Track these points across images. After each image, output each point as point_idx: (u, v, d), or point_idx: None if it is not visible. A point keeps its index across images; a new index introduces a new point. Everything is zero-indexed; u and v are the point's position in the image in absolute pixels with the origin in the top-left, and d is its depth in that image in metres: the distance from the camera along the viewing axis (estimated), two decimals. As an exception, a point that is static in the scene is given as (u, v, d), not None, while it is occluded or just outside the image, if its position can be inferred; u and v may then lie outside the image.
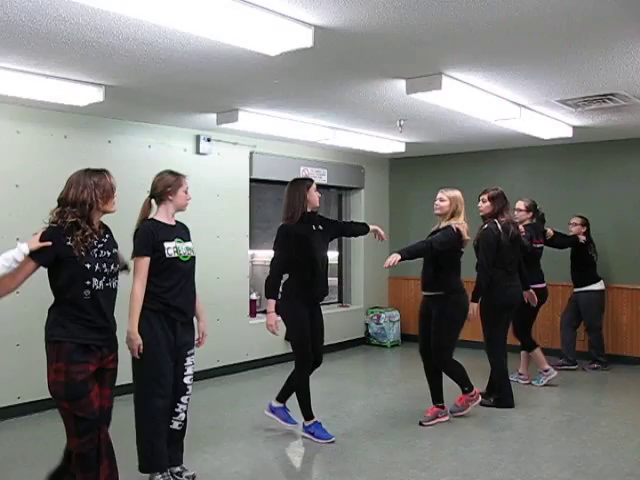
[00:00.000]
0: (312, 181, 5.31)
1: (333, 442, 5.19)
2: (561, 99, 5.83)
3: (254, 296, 8.04)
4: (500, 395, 6.11)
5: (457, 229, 5.51)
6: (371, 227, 5.74)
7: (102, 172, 3.60)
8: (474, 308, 5.89)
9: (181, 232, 4.29)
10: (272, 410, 5.49)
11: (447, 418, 5.74)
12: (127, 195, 5.66)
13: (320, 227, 5.27)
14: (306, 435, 5.29)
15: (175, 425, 4.22)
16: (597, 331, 7.71)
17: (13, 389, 5.78)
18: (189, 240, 4.31)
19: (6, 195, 5.80)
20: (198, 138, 7.31)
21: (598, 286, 7.65)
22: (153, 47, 4.22)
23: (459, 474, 4.52)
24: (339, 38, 4.02)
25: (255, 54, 4.12)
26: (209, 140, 7.37)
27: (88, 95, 5.26)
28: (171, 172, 4.31)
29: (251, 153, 7.89)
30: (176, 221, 4.33)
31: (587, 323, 7.72)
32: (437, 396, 5.80)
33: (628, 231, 8.11)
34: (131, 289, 4.04)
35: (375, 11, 3.58)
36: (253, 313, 7.95)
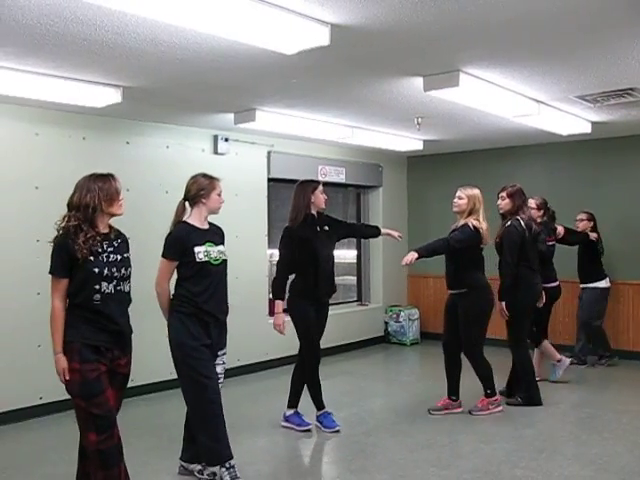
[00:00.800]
0: (319, 183, 5.41)
1: (338, 431, 5.35)
2: (579, 95, 5.79)
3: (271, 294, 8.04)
4: (529, 393, 6.07)
5: (474, 226, 5.56)
6: (383, 231, 5.82)
7: (107, 176, 3.65)
8: (503, 307, 5.90)
9: (213, 236, 4.32)
10: (287, 419, 5.56)
11: (460, 410, 5.85)
12: (145, 195, 5.72)
13: (326, 228, 5.37)
14: (317, 424, 5.47)
15: None
16: (592, 328, 7.59)
17: (35, 390, 5.83)
18: (221, 243, 4.34)
19: (26, 197, 5.85)
20: (216, 138, 7.34)
21: (603, 284, 7.58)
22: (170, 47, 4.24)
23: (480, 472, 4.50)
24: (356, 36, 4.02)
25: (272, 53, 4.12)
26: (227, 140, 7.39)
27: (106, 96, 5.29)
28: (205, 175, 4.34)
29: (269, 152, 7.91)
30: (210, 223, 4.35)
31: (583, 318, 7.60)
32: (452, 389, 5.90)
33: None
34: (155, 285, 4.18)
35: (391, 8, 3.57)
36: (272, 312, 7.94)
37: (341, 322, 8.76)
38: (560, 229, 7.21)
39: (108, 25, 3.78)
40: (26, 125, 5.88)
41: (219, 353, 4.30)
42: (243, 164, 7.57)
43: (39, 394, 5.86)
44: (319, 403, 5.47)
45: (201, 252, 4.16)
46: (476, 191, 5.71)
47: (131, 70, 4.81)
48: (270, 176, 7.93)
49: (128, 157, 6.50)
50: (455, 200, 5.73)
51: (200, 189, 4.27)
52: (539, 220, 6.79)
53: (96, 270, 3.50)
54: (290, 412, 5.54)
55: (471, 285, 5.67)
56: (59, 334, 3.49)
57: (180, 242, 4.16)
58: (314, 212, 5.33)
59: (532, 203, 6.80)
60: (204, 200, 4.27)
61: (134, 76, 4.99)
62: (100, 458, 3.51)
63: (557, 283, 6.91)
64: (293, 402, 5.54)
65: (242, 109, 6.35)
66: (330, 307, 8.77)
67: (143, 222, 6.01)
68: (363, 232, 5.94)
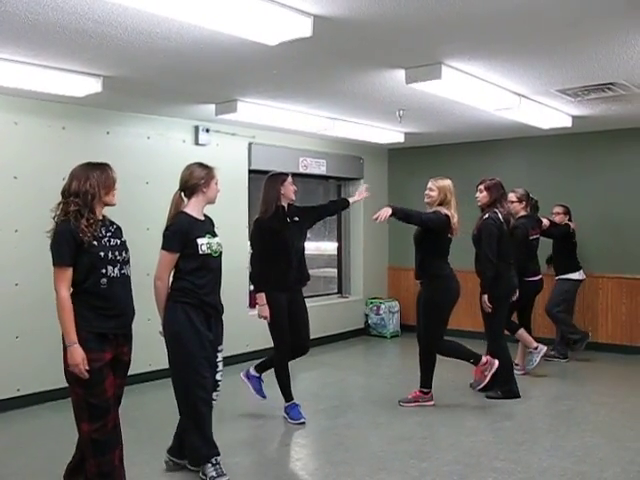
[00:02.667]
0: (287, 175, 5.45)
1: (303, 424, 5.38)
2: (561, 89, 5.81)
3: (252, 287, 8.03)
4: (507, 386, 6.09)
5: (446, 214, 5.60)
6: (351, 200, 5.91)
7: (104, 165, 3.68)
8: (485, 300, 5.94)
9: (210, 227, 4.29)
10: (248, 377, 5.71)
11: (431, 403, 5.85)
12: (126, 186, 5.63)
13: (296, 219, 5.43)
14: (284, 415, 5.50)
15: None
16: (558, 314, 7.58)
17: (12, 381, 5.77)
18: (217, 235, 4.31)
19: (4, 187, 5.78)
20: (197, 129, 7.29)
21: (577, 275, 7.64)
22: (151, 37, 4.19)
23: (460, 464, 4.52)
24: (338, 28, 4.00)
25: (254, 44, 4.09)
26: (208, 131, 7.35)
27: (86, 86, 5.23)
28: (201, 164, 4.30)
29: (250, 144, 7.88)
30: (205, 215, 4.32)
31: (547, 307, 7.61)
32: (424, 382, 5.89)
33: (629, 220, 8.11)
34: (153, 278, 4.12)
35: (374, 1, 3.55)
36: (252, 304, 7.93)
37: (321, 314, 8.76)
38: (546, 221, 7.26)
39: (89, 13, 3.73)
40: (4, 114, 5.80)
41: (219, 348, 4.28)
42: (224, 155, 7.53)
43: (16, 386, 5.80)
44: (287, 394, 5.49)
45: (204, 244, 4.12)
46: (447, 182, 5.74)
47: (112, 59, 4.75)
48: (251, 167, 7.90)
49: (108, 147, 6.44)
50: (426, 192, 5.78)
51: (200, 178, 4.21)
52: (523, 213, 6.81)
53: (102, 254, 3.52)
54: (255, 373, 5.72)
55: (434, 274, 5.73)
56: (71, 324, 3.44)
57: (183, 234, 4.09)
58: (284, 204, 5.39)
59: (512, 197, 6.80)
60: (204, 190, 4.21)
61: (115, 66, 4.93)
62: (93, 446, 3.53)
63: (540, 277, 6.95)
64: (261, 369, 5.70)
65: (223, 100, 6.31)
66: (311, 299, 8.77)
67: (123, 213, 5.96)
68: (332, 209, 5.97)
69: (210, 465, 4.15)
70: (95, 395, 3.49)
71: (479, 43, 4.44)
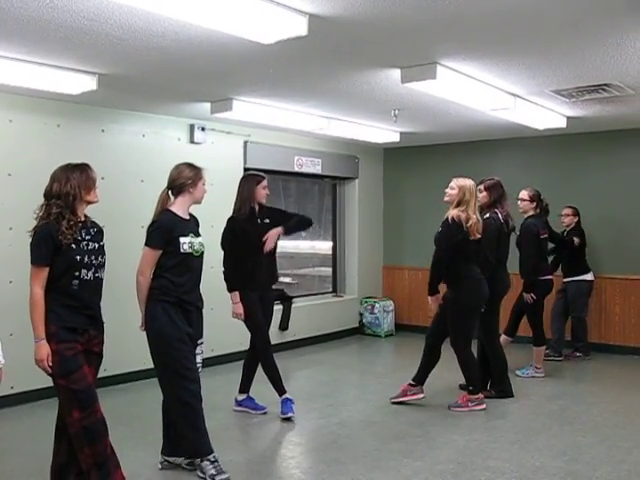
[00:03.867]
0: (263, 178, 5.55)
1: (289, 418, 5.45)
2: (555, 89, 5.83)
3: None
4: (502, 386, 6.11)
5: (452, 218, 5.52)
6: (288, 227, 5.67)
7: (84, 165, 3.75)
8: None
9: (194, 227, 4.32)
10: (239, 404, 5.73)
11: (420, 396, 5.87)
12: (121, 184, 5.68)
13: (267, 220, 5.51)
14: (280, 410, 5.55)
15: None
16: (582, 321, 7.75)
17: (6, 379, 5.72)
18: (200, 235, 4.32)
19: (-1, 184, 5.77)
20: (192, 127, 7.29)
21: (589, 276, 7.69)
22: (147, 35, 4.19)
23: (453, 462, 4.53)
24: (334, 27, 4.01)
25: (249, 42, 4.10)
26: (203, 129, 7.35)
27: (81, 83, 5.23)
28: (189, 165, 4.32)
29: (245, 142, 7.88)
30: (190, 214, 4.33)
31: (575, 312, 7.72)
32: (418, 376, 5.89)
33: (621, 220, 8.14)
34: (136, 274, 4.13)
35: (370, 0, 3.56)
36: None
37: (316, 313, 8.78)
38: (577, 240, 7.54)
39: (84, 11, 3.73)
40: (-1, 111, 5.79)
41: (198, 342, 4.29)
42: (219, 154, 7.53)
43: (10, 383, 5.78)
44: (279, 388, 5.54)
45: (186, 243, 4.15)
46: (469, 182, 5.65)
47: (107, 57, 4.75)
48: (246, 166, 7.89)
49: (103, 145, 6.43)
50: (447, 189, 5.70)
51: (187, 178, 4.23)
52: (532, 212, 6.81)
53: (77, 258, 3.60)
54: (243, 397, 5.73)
55: (459, 276, 5.64)
56: (41, 321, 3.54)
57: (166, 231, 4.12)
58: (255, 205, 5.48)
59: (524, 195, 6.82)
60: (191, 190, 4.24)
61: (110, 63, 4.93)
62: (85, 434, 3.59)
63: (551, 277, 6.95)
64: (245, 388, 5.74)
65: (219, 98, 6.31)
66: (305, 298, 8.80)
67: (118, 210, 5.97)
68: (293, 227, 5.71)
69: (209, 463, 4.15)
70: (77, 381, 3.57)
71: (474, 43, 4.45)
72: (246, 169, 7.90)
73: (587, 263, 7.73)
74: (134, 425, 5.23)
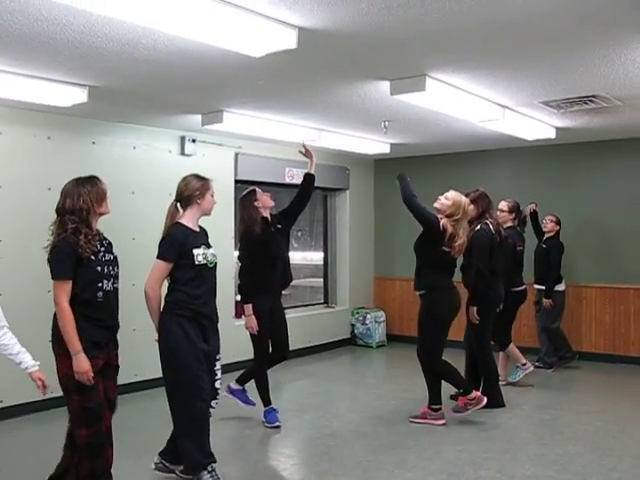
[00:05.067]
0: (255, 190, 5.61)
1: (278, 427, 5.53)
2: (544, 101, 5.87)
3: (239, 297, 8.02)
4: (492, 395, 6.07)
5: (443, 225, 5.47)
6: (311, 170, 5.81)
7: (93, 179, 3.80)
8: (474, 312, 5.96)
9: (205, 238, 4.32)
10: (231, 392, 5.83)
11: (442, 422, 5.61)
12: (112, 196, 5.63)
13: (279, 226, 5.63)
14: (262, 419, 5.64)
15: None
16: (555, 330, 7.71)
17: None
18: (211, 246, 4.32)
19: (-11, 197, 5.76)
20: (183, 139, 7.30)
21: (562, 287, 7.70)
22: (137, 48, 4.21)
23: (444, 473, 4.54)
24: (323, 40, 4.03)
25: (239, 55, 4.12)
26: (194, 141, 7.36)
27: (72, 96, 5.24)
28: (197, 176, 4.32)
29: (236, 154, 7.89)
30: (199, 226, 4.33)
31: (544, 323, 7.68)
32: (431, 397, 5.70)
33: (610, 230, 8.19)
34: (144, 287, 4.10)
35: (359, 13, 3.59)
36: (238, 314, 7.93)
37: (308, 324, 8.77)
38: (533, 206, 7.65)
39: (74, 24, 3.74)
40: (-11, 124, 5.79)
41: (217, 357, 4.28)
42: (210, 165, 7.52)
43: None
44: (266, 399, 5.64)
45: (200, 255, 4.13)
46: (464, 200, 5.56)
47: (97, 70, 4.76)
48: (237, 178, 7.92)
49: (94, 157, 6.43)
50: (441, 197, 5.61)
51: (195, 189, 4.22)
52: (510, 224, 6.84)
53: (99, 269, 3.68)
54: (237, 387, 5.84)
55: (430, 286, 5.57)
56: (75, 333, 3.56)
57: (179, 244, 4.10)
58: (266, 215, 5.57)
59: (504, 206, 6.85)
60: (199, 201, 4.22)
61: (100, 76, 4.94)
62: (88, 450, 3.66)
63: (524, 287, 6.97)
64: (242, 381, 5.84)
65: (209, 110, 6.33)
66: (297, 309, 8.79)
67: (109, 222, 5.95)
68: (301, 194, 5.80)
69: (206, 472, 4.14)
70: (91, 399, 3.62)
71: (463, 55, 4.49)
72: (237, 181, 7.93)
73: (560, 273, 7.70)
74: (125, 439, 5.20)
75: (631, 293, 8.07)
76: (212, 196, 4.31)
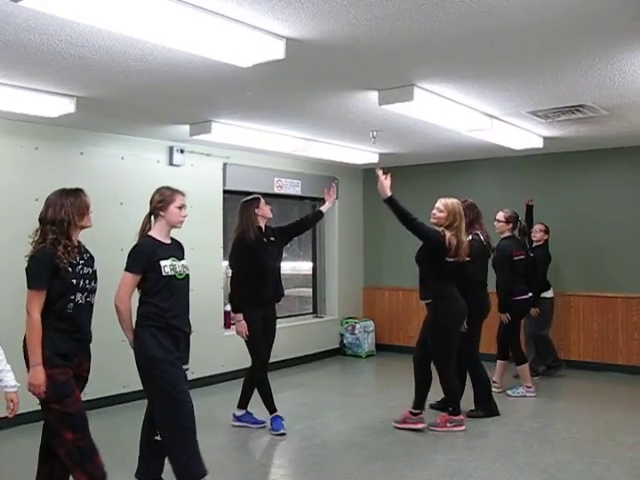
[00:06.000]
0: (259, 198, 5.70)
1: (283, 434, 5.61)
2: (531, 110, 5.91)
3: (229, 307, 8.01)
4: (489, 405, 6.13)
5: (444, 234, 5.48)
6: (324, 208, 6.06)
7: (77, 191, 3.80)
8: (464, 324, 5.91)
9: (177, 251, 4.28)
10: (238, 419, 5.84)
11: (421, 426, 5.70)
12: (100, 207, 5.63)
13: (272, 238, 5.70)
14: (268, 427, 5.73)
15: (159, 437, 4.22)
16: (543, 338, 7.74)
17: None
18: (183, 259, 4.29)
19: (-24, 207, 5.73)
20: (171, 149, 7.29)
21: (550, 294, 7.74)
22: (125, 58, 4.21)
23: (434, 483, 4.54)
24: (311, 50, 4.05)
25: (227, 66, 4.12)
26: (182, 152, 7.36)
27: (59, 106, 5.23)
28: (168, 188, 4.30)
29: (224, 164, 7.89)
30: (172, 239, 4.30)
31: (534, 331, 7.70)
32: (415, 402, 5.77)
33: (597, 239, 8.23)
34: (114, 300, 4.08)
35: (347, 23, 3.60)
36: (228, 324, 7.92)
37: (297, 334, 8.76)
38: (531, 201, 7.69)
39: (60, 34, 3.74)
40: (-24, 134, 5.77)
41: (184, 367, 4.26)
42: (199, 176, 7.54)
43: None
44: (270, 406, 5.70)
45: (167, 266, 4.11)
46: (456, 204, 5.56)
47: (85, 80, 4.75)
48: (226, 188, 7.92)
49: (82, 168, 6.42)
50: (434, 211, 5.61)
51: (159, 201, 4.20)
52: (508, 234, 6.84)
53: (74, 281, 3.67)
54: (241, 412, 5.84)
55: (435, 295, 5.60)
56: (39, 346, 3.58)
57: (145, 256, 4.09)
58: (262, 224, 5.66)
59: (500, 216, 6.84)
60: (162, 213, 4.19)
61: (88, 86, 4.94)
62: (79, 454, 3.64)
63: (527, 296, 6.93)
64: (245, 403, 5.84)
65: (198, 121, 6.33)
66: (286, 319, 8.78)
67: (97, 233, 5.93)
68: (306, 224, 6.17)
69: None
70: (70, 404, 3.62)
71: (451, 66, 4.51)
72: (225, 191, 7.93)
73: (548, 280, 7.75)
74: (113, 450, 5.17)
75: (619, 301, 8.11)
76: (179, 208, 4.22)
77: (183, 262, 4.26)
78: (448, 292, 5.61)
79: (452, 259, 5.52)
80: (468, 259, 5.64)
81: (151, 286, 4.10)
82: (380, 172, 5.44)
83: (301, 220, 6.15)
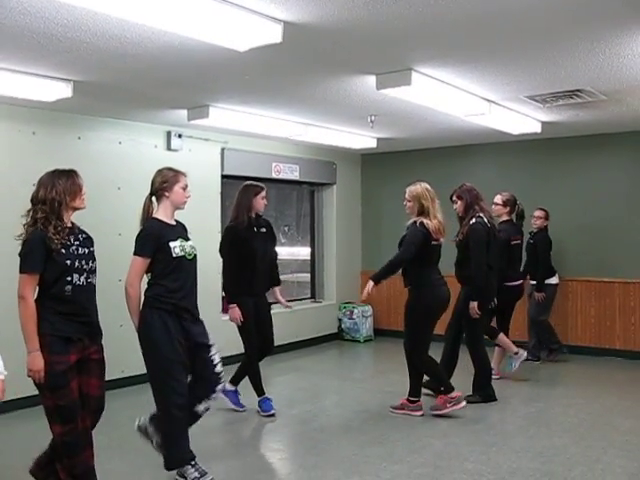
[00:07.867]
0: (262, 188, 5.67)
1: (273, 415, 5.70)
2: (529, 95, 5.89)
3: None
4: (487, 390, 6.13)
5: (421, 223, 5.50)
6: (277, 295, 6.04)
7: (70, 172, 3.75)
8: (474, 306, 5.90)
9: (182, 232, 4.29)
10: (225, 392, 5.76)
11: (419, 413, 5.70)
12: (97, 191, 5.65)
13: (263, 230, 5.70)
14: (257, 408, 5.79)
15: (201, 408, 4.26)
16: (543, 323, 7.76)
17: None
18: (190, 239, 4.30)
19: (-27, 192, 5.72)
20: (169, 134, 7.28)
21: (554, 280, 7.76)
22: (121, 42, 4.19)
23: (431, 466, 4.56)
24: (308, 34, 4.03)
25: (224, 50, 4.11)
26: (180, 136, 7.34)
27: (56, 91, 5.21)
28: (170, 169, 4.29)
29: (222, 149, 7.88)
30: (176, 220, 4.31)
31: (534, 316, 7.75)
32: (411, 390, 5.78)
33: (595, 224, 8.24)
34: (124, 285, 4.09)
35: (344, 7, 3.59)
36: (225, 309, 7.92)
37: (295, 319, 8.77)
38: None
39: (57, 18, 3.72)
40: (-27, 119, 5.75)
41: (209, 344, 4.26)
42: (196, 161, 7.52)
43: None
44: (259, 389, 5.77)
45: (177, 247, 4.11)
46: (419, 188, 5.57)
47: (82, 64, 4.73)
48: (224, 173, 7.90)
49: (80, 152, 6.40)
50: (404, 203, 5.68)
51: (163, 182, 4.20)
52: (505, 217, 6.83)
53: (68, 262, 3.60)
54: (231, 388, 5.86)
55: (416, 282, 5.61)
56: (34, 331, 3.52)
57: (154, 238, 4.08)
58: (252, 215, 5.63)
59: (498, 199, 6.82)
60: (167, 193, 4.19)
61: (85, 70, 4.91)
62: (64, 448, 3.63)
63: (520, 282, 6.97)
64: (236, 381, 5.91)
65: (195, 105, 6.31)
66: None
67: (95, 218, 5.93)
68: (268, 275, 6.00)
69: (190, 467, 4.15)
70: (62, 397, 3.57)
71: (449, 50, 4.50)
72: (224, 176, 7.92)
73: (553, 266, 7.78)
74: (111, 434, 5.19)
75: (616, 286, 8.13)
76: (183, 189, 4.25)
77: (190, 242, 4.26)
78: (431, 279, 5.61)
79: (435, 242, 5.56)
80: (442, 240, 5.65)
81: (163, 268, 4.10)
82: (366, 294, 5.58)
83: (273, 269, 5.99)
